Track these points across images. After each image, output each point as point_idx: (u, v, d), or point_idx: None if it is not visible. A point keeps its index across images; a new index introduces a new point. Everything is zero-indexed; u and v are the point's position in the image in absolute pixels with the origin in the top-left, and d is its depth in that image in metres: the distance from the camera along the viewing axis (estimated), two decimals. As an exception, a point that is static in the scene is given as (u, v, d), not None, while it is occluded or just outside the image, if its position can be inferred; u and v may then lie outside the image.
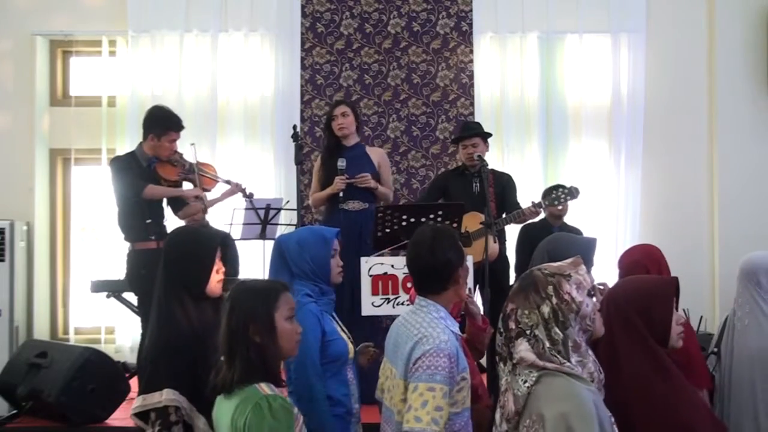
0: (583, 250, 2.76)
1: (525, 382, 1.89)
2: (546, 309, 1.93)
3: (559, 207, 4.73)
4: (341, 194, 4.45)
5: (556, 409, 1.81)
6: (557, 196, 4.42)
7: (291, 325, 2.17)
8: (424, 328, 2.31)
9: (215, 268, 2.59)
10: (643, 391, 2.01)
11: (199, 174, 4.55)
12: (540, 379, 1.88)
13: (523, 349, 1.92)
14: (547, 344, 1.91)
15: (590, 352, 1.99)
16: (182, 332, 2.45)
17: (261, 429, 1.97)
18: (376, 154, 4.72)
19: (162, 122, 4.45)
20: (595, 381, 1.97)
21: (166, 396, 2.38)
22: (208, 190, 4.57)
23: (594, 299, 1.98)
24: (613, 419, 1.90)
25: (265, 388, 2.04)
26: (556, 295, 1.94)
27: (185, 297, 2.52)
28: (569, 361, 1.90)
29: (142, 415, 2.43)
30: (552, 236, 2.90)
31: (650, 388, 2.01)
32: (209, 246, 2.61)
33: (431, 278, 2.41)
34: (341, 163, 4.45)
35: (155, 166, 4.45)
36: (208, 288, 2.57)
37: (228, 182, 4.71)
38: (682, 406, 2.10)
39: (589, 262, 2.75)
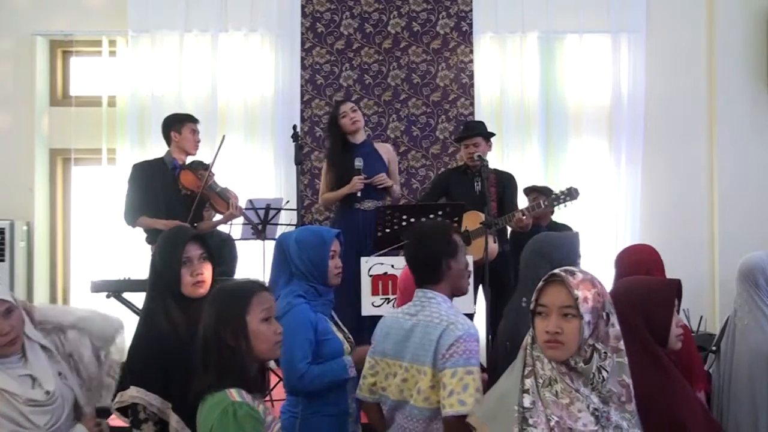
0: (567, 246, 2.77)
1: None
2: None
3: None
4: (359, 194, 4.44)
5: None
6: (557, 197, 4.38)
7: (267, 326, 2.09)
8: (446, 316, 2.39)
9: (188, 269, 2.53)
10: (640, 390, 2.01)
11: (217, 194, 4.46)
12: None
13: None
14: None
15: (546, 360, 1.94)
16: (158, 332, 2.47)
17: None
18: (385, 150, 4.71)
19: (177, 118, 4.59)
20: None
21: (129, 393, 2.44)
22: (222, 213, 4.52)
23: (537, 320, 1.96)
24: None
25: (234, 394, 1.98)
26: None
27: (168, 298, 2.52)
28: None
29: (124, 411, 2.52)
30: (537, 236, 2.89)
31: (647, 387, 2.00)
32: (175, 245, 2.56)
33: (423, 270, 2.52)
34: (359, 162, 4.42)
35: (179, 173, 4.46)
36: (183, 289, 2.53)
37: (246, 217, 4.63)
38: (677, 405, 2.10)
39: (575, 256, 2.76)
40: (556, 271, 1.96)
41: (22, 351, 2.40)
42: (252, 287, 2.12)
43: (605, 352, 1.91)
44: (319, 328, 2.67)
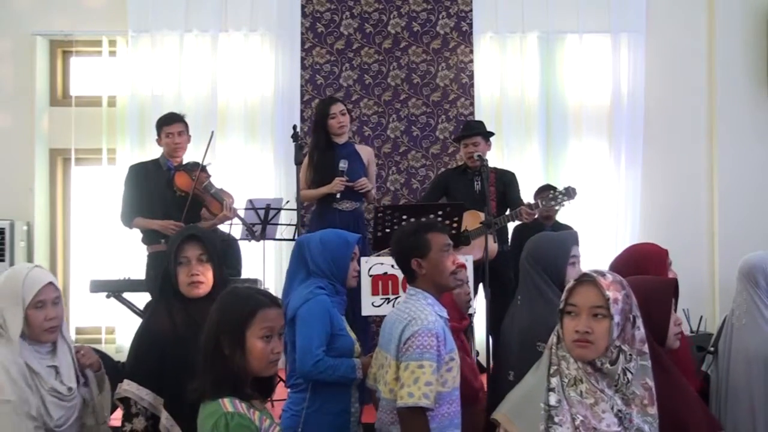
0: (561, 245, 2.77)
1: None
2: None
3: (557, 208, 4.76)
4: (338, 194, 4.49)
5: None
6: (554, 196, 4.40)
7: (266, 344, 2.02)
8: (413, 311, 2.52)
9: (185, 269, 2.61)
10: None
11: (212, 196, 4.46)
12: None
13: None
14: None
15: (570, 361, 1.94)
16: (156, 329, 2.56)
17: None
18: (365, 153, 4.77)
19: (158, 123, 4.62)
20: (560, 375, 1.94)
21: (122, 387, 2.53)
22: (215, 214, 4.51)
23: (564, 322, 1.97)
24: None
25: (227, 404, 1.95)
26: None
27: (170, 297, 2.62)
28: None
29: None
30: (532, 237, 2.90)
31: None
32: (172, 245, 2.68)
33: (401, 268, 2.69)
34: (343, 164, 4.48)
35: (174, 174, 4.47)
36: (180, 289, 2.61)
37: (240, 219, 4.63)
38: (678, 405, 2.10)
39: (566, 257, 2.75)
40: (587, 271, 1.99)
41: (53, 344, 2.46)
42: (259, 302, 2.05)
43: (630, 354, 1.92)
44: (334, 322, 2.75)
